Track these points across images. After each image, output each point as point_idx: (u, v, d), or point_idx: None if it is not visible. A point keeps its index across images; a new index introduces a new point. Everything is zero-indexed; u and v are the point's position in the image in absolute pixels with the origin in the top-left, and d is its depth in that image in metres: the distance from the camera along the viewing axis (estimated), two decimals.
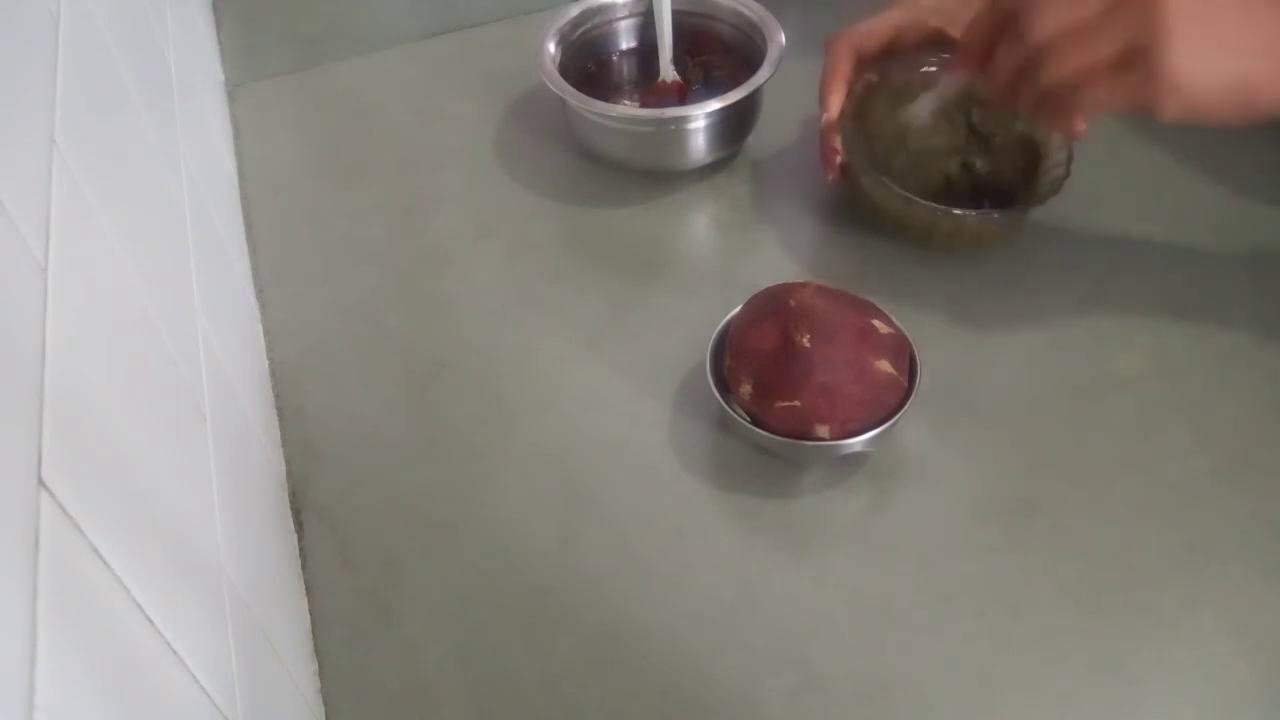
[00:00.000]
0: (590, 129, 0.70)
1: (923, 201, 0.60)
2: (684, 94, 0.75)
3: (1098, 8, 0.46)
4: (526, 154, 0.75)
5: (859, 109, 0.64)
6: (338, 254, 0.69)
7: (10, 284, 0.27)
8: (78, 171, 0.35)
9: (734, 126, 0.70)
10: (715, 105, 0.66)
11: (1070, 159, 0.61)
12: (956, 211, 0.60)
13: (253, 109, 0.80)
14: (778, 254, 0.67)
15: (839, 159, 0.63)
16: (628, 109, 0.69)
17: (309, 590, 0.52)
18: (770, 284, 0.56)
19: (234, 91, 0.82)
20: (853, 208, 0.67)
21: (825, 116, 0.63)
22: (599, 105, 0.67)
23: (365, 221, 0.71)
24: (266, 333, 0.64)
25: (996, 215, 0.61)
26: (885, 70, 0.65)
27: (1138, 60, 0.46)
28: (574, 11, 0.74)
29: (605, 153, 0.71)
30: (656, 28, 0.74)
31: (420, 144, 0.76)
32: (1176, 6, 0.44)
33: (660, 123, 0.68)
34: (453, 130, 0.77)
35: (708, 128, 0.68)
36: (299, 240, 0.70)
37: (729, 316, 0.56)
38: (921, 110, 0.64)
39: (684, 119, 0.67)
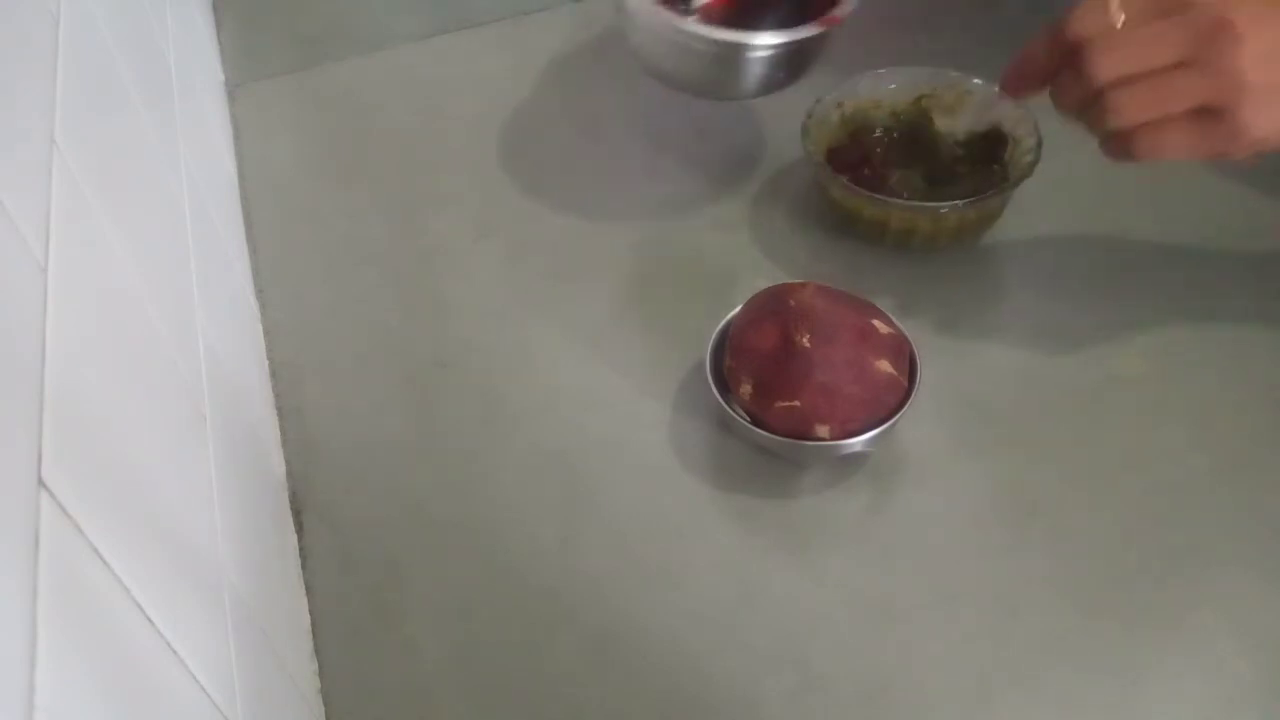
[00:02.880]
0: (649, 39, 0.63)
1: (894, 200, 0.61)
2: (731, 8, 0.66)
3: (1166, 60, 0.45)
4: (527, 154, 0.75)
5: (824, 135, 0.66)
6: (338, 254, 0.69)
7: (10, 284, 0.27)
8: (78, 171, 0.35)
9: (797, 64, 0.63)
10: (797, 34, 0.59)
11: (1040, 144, 0.61)
12: (929, 205, 0.61)
13: (253, 109, 0.80)
14: (778, 254, 0.67)
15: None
16: (698, 27, 0.60)
17: (309, 590, 0.52)
18: (770, 284, 0.56)
19: (234, 91, 0.82)
20: (837, 221, 0.67)
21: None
22: (669, 15, 0.60)
23: (365, 221, 0.71)
24: (266, 333, 0.64)
25: (966, 204, 0.60)
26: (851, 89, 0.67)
27: (1216, 118, 0.45)
28: None
29: (659, 68, 0.65)
30: None
31: (420, 144, 0.76)
32: (1254, 65, 0.43)
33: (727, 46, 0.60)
34: (453, 130, 0.77)
35: (773, 57, 0.61)
36: (299, 240, 0.70)
37: (729, 316, 0.56)
38: (959, 127, 0.64)
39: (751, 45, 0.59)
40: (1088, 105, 0.48)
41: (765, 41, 0.60)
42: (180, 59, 0.65)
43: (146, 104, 0.50)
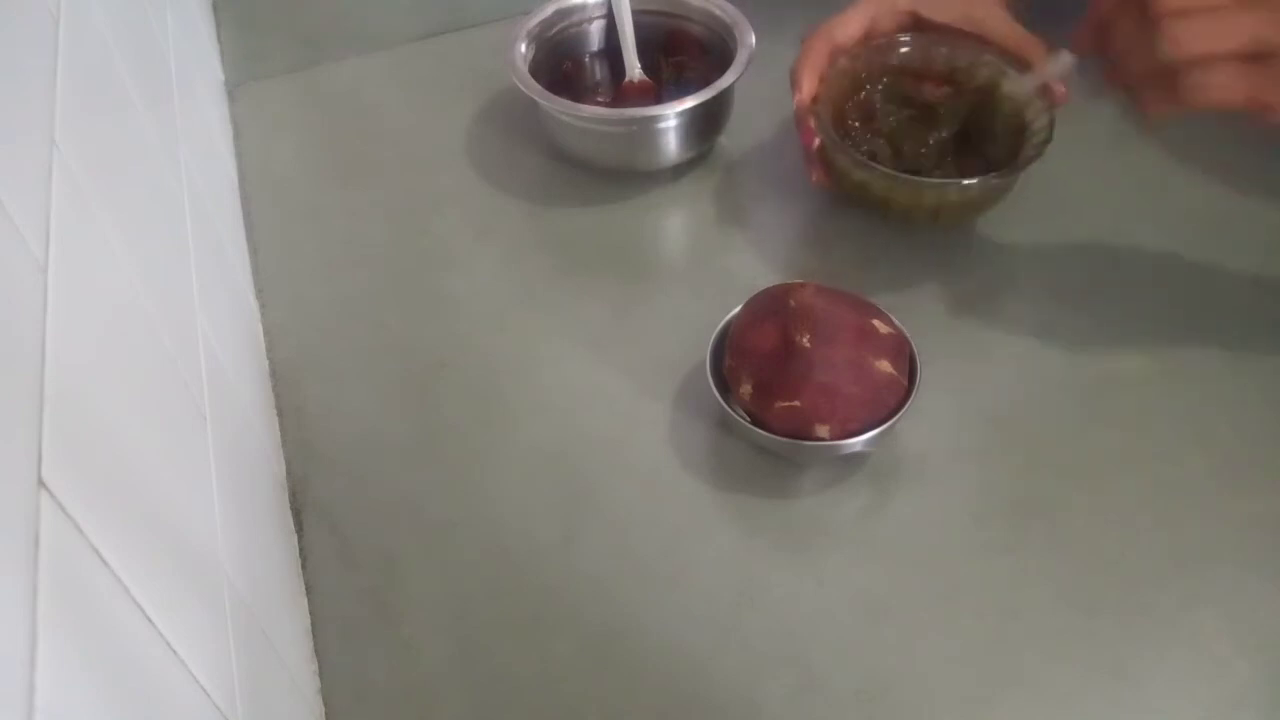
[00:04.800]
0: (561, 129, 0.70)
1: (901, 175, 0.60)
2: (654, 94, 0.75)
3: None
4: (526, 153, 0.75)
5: (834, 94, 0.64)
6: (338, 254, 0.69)
7: (10, 284, 0.27)
8: (78, 171, 0.35)
9: (702, 127, 0.70)
10: (681, 106, 0.66)
11: (1052, 125, 0.60)
12: (935, 181, 0.60)
13: (253, 109, 0.80)
14: (777, 253, 0.67)
15: (816, 142, 0.63)
16: (596, 109, 0.69)
17: (309, 590, 0.52)
18: (770, 283, 0.56)
19: (234, 91, 0.82)
20: (837, 192, 0.65)
21: (797, 99, 0.63)
22: (568, 105, 0.67)
23: (365, 221, 0.71)
24: (266, 333, 0.64)
25: (973, 183, 0.59)
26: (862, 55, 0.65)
27: (1269, 63, 0.44)
28: (547, 11, 0.74)
29: (576, 153, 0.72)
30: (619, 29, 0.74)
31: (420, 144, 0.76)
32: None
33: (627, 122, 0.68)
34: (453, 130, 0.77)
35: (676, 128, 0.68)
36: (299, 240, 0.70)
37: (729, 316, 0.56)
38: (1023, 88, 0.62)
39: (651, 119, 0.67)
40: (1144, 38, 0.46)
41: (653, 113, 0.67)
42: (180, 59, 0.65)
43: (146, 104, 0.50)
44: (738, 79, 0.68)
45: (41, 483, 0.25)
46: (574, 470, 0.56)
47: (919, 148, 0.65)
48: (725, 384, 0.54)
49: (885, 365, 0.52)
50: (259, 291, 0.67)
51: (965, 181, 0.59)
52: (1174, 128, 0.72)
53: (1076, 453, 0.55)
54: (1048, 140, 0.59)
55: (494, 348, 0.62)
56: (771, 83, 0.70)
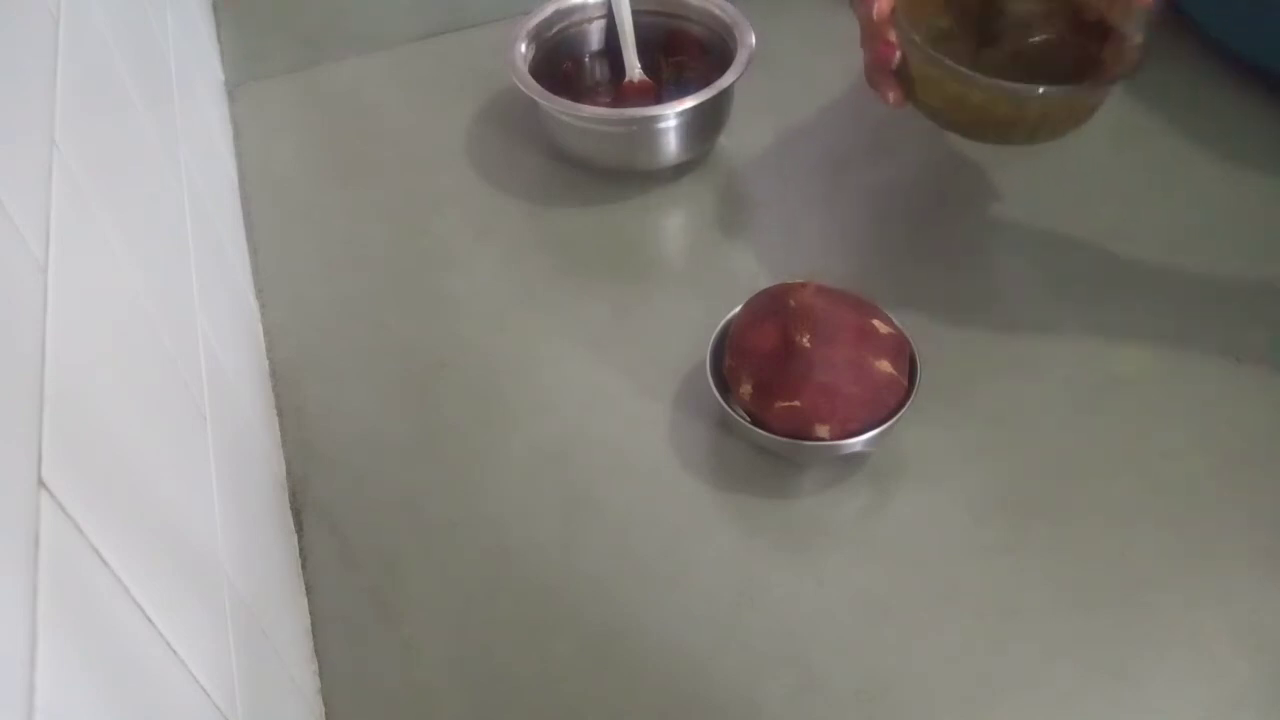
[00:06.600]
0: (560, 129, 0.71)
1: (1007, 84, 0.53)
2: (653, 94, 0.75)
3: None
4: (526, 153, 0.75)
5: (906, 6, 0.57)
6: (338, 254, 0.69)
7: (10, 284, 0.27)
8: (78, 171, 0.35)
9: (702, 127, 0.70)
10: (681, 105, 0.66)
11: (1149, 27, 0.55)
12: (1045, 88, 0.53)
13: (253, 109, 0.80)
14: (777, 253, 0.67)
15: (897, 55, 0.56)
16: (596, 109, 0.69)
17: (309, 590, 0.52)
18: (770, 283, 0.56)
19: (234, 91, 0.82)
20: (921, 109, 0.59)
21: (876, 9, 0.55)
22: (568, 105, 0.67)
23: (365, 221, 0.71)
24: (266, 333, 0.64)
25: (1086, 88, 0.54)
26: None
27: None
28: (547, 11, 0.74)
29: (576, 153, 0.72)
30: (619, 29, 0.74)
31: (420, 144, 0.76)
32: None
33: (627, 122, 0.68)
34: (452, 130, 0.77)
35: (676, 128, 0.68)
36: (299, 240, 0.70)
37: (729, 316, 0.56)
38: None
39: (651, 119, 0.67)
40: None
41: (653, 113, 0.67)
42: (180, 59, 0.65)
43: (146, 104, 0.50)
44: (738, 79, 0.68)
45: (41, 483, 0.25)
46: (574, 470, 0.56)
47: (998, 64, 0.58)
48: (725, 384, 0.54)
49: (885, 365, 0.52)
50: (259, 291, 0.67)
51: (1079, 86, 0.54)
52: (1174, 128, 0.72)
53: (1077, 453, 0.55)
54: (1148, 42, 0.54)
55: (494, 348, 0.62)
56: (772, 83, 0.70)
